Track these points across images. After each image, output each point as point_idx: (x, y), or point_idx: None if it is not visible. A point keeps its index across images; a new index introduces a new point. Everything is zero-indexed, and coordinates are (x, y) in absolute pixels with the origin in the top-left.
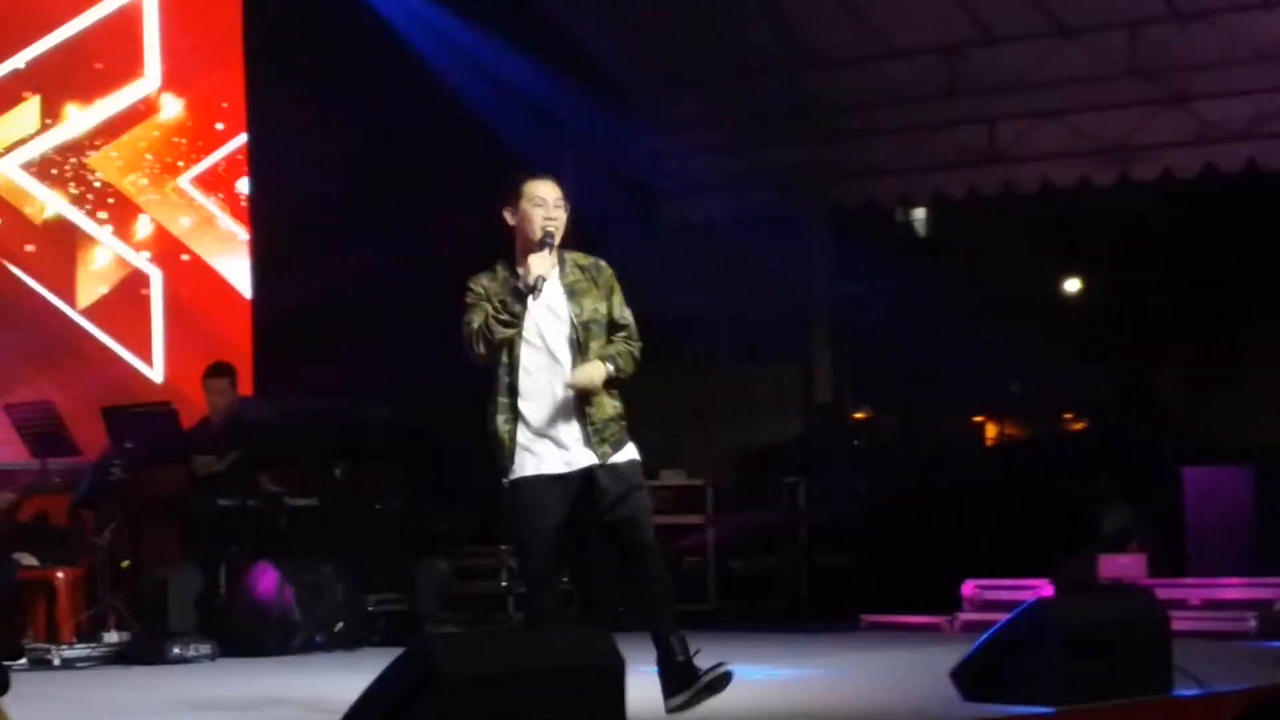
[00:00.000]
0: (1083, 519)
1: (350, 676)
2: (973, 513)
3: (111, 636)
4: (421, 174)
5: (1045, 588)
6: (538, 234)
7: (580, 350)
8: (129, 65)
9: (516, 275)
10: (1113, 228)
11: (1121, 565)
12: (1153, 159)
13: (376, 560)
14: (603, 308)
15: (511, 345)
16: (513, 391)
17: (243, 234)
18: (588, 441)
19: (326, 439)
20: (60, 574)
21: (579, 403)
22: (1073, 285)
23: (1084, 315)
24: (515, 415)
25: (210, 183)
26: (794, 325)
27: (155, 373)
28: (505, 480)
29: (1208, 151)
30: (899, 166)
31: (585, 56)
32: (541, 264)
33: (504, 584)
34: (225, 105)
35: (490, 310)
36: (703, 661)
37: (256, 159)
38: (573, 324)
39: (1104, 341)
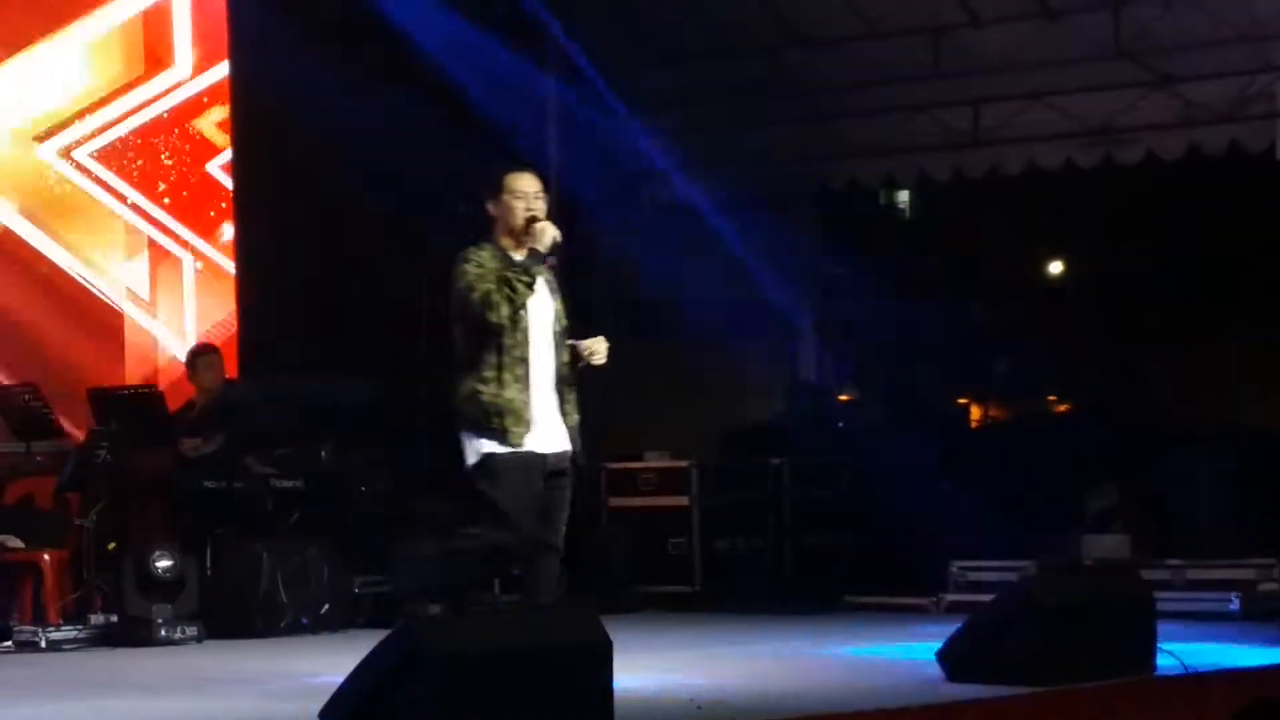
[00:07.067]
0: (1067, 500)
1: (337, 658)
2: (957, 494)
3: (98, 618)
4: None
5: (1030, 569)
6: (519, 224)
7: (559, 343)
8: (160, 51)
9: (507, 258)
10: (1099, 209)
11: (1106, 546)
12: (1137, 141)
13: (363, 542)
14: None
15: (519, 318)
16: (525, 362)
17: None
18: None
19: (313, 420)
20: (46, 556)
21: (560, 391)
22: (1057, 267)
23: (1069, 297)
24: (528, 386)
25: None
26: (778, 307)
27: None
28: (499, 449)
29: (1191, 134)
30: (883, 147)
31: (568, 35)
32: (551, 232)
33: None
34: None
35: (509, 275)
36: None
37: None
38: (558, 317)
39: (1089, 323)
